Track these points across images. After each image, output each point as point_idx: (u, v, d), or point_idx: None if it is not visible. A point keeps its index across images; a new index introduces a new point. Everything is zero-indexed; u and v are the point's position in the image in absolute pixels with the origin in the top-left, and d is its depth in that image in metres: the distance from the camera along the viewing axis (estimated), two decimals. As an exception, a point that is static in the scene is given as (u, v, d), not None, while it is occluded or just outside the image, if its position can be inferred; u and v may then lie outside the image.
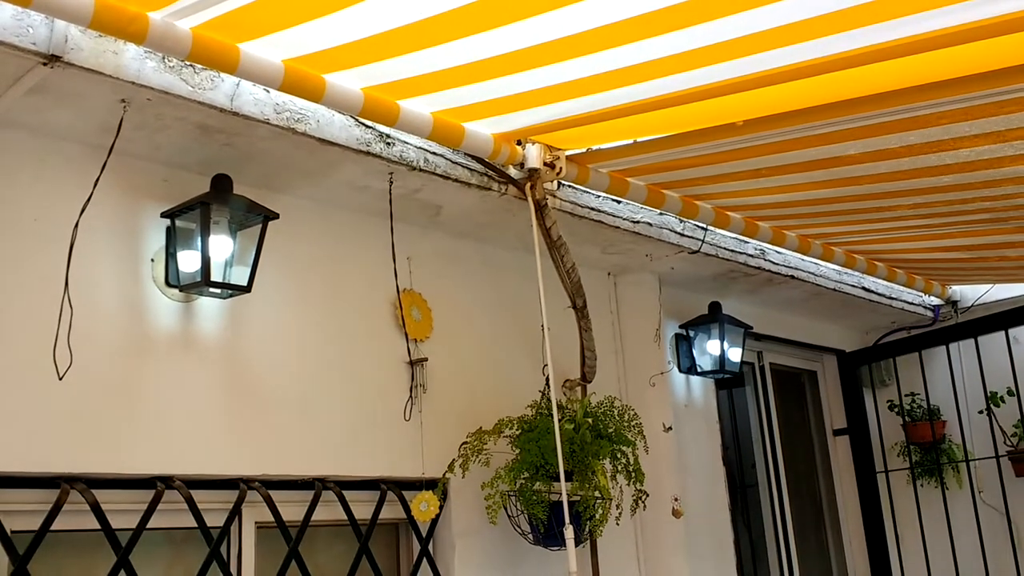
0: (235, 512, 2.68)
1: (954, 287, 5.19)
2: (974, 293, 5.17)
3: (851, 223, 3.60)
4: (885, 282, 4.78)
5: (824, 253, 4.04)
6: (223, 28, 2.09)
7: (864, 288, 4.74)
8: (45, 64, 2.10)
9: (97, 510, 2.40)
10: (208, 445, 2.65)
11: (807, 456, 5.33)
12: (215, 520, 2.65)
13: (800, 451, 5.28)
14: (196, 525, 2.58)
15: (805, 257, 4.27)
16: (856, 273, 4.58)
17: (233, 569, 2.73)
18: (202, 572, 2.58)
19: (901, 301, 5.01)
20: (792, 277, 4.28)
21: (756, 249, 4.09)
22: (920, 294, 5.12)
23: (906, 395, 5.20)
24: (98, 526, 2.40)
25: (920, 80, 2.26)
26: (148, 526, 2.49)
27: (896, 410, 5.24)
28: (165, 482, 2.55)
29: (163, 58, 2.28)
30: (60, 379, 2.35)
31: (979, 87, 2.27)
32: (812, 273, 4.40)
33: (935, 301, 5.23)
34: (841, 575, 5.17)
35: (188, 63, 2.31)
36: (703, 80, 2.27)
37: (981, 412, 4.92)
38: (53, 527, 2.33)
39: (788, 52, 2.11)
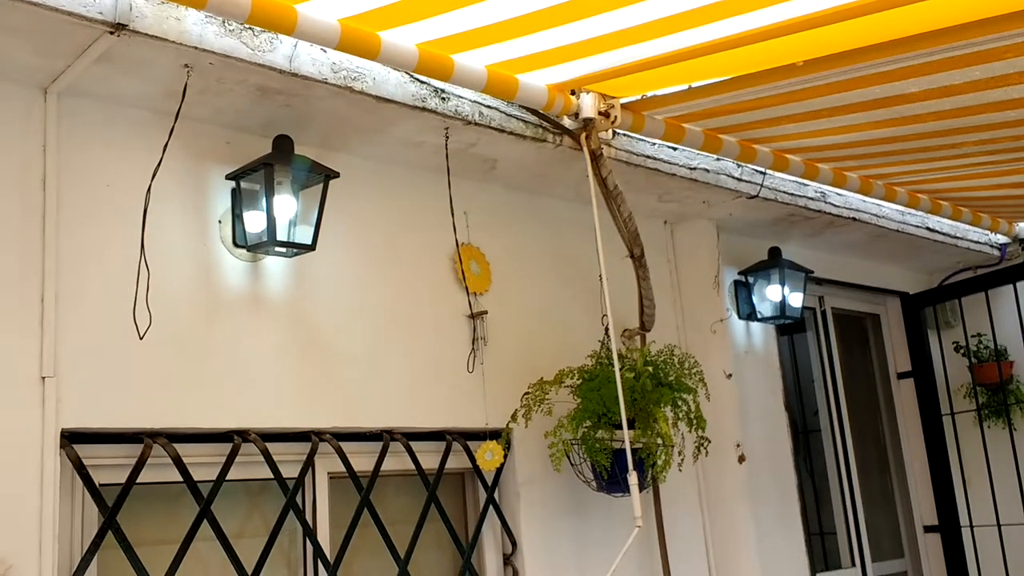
0: (308, 463, 2.77)
1: (1022, 224, 5.05)
2: (1042, 231, 5.04)
3: (914, 162, 3.53)
4: (950, 221, 4.67)
5: (887, 194, 3.97)
6: (280, -10, 2.12)
7: (928, 228, 4.65)
8: (112, 33, 2.16)
9: (179, 463, 2.50)
10: (280, 399, 2.74)
11: (870, 400, 5.29)
12: (290, 471, 2.74)
13: (863, 395, 5.24)
14: (272, 476, 2.68)
15: (867, 198, 4.20)
16: (920, 213, 4.49)
17: (308, 518, 2.83)
18: (279, 521, 2.69)
19: (967, 240, 4.91)
20: (854, 219, 4.22)
21: (816, 192, 4.04)
22: (986, 232, 5.00)
23: (972, 336, 5.11)
24: (180, 478, 2.51)
25: (984, 14, 2.20)
26: (227, 478, 2.59)
27: (962, 351, 5.16)
28: (242, 435, 2.64)
29: (223, 22, 2.32)
30: (141, 339, 2.45)
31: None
32: (874, 215, 4.33)
33: (1002, 239, 5.11)
34: (907, 519, 5.15)
35: (247, 26, 2.35)
36: (760, 23, 2.24)
37: (1050, 351, 4.84)
38: (139, 480, 2.44)
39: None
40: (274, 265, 2.80)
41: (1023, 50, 2.38)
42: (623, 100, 2.93)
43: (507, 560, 3.21)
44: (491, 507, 3.19)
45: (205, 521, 2.53)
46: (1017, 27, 2.24)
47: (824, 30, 2.26)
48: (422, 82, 2.75)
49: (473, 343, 3.22)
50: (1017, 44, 2.35)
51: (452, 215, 3.18)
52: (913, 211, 4.43)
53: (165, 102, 2.54)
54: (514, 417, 3.08)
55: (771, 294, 4.17)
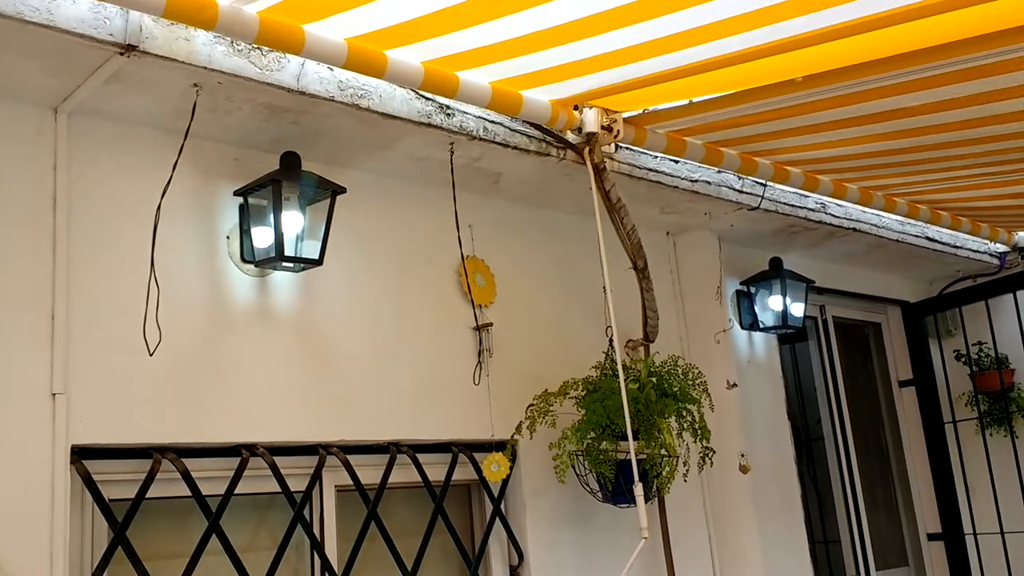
0: (316, 477, 2.79)
1: (1021, 233, 5.08)
2: (1041, 239, 5.06)
3: (913, 173, 3.56)
4: (949, 231, 4.70)
5: (886, 204, 4.00)
6: (288, 11, 2.15)
7: (928, 238, 4.68)
8: (122, 53, 2.19)
9: (188, 478, 2.52)
10: (288, 413, 2.76)
11: (873, 408, 5.31)
12: (297, 485, 2.76)
13: (865, 404, 5.26)
14: (280, 490, 2.70)
15: (867, 209, 4.22)
16: (919, 223, 4.52)
17: (316, 531, 2.84)
18: (287, 534, 2.71)
19: (966, 249, 4.94)
20: (854, 229, 4.25)
21: (817, 203, 4.07)
22: (985, 242, 5.03)
23: (973, 344, 5.14)
24: (189, 493, 2.53)
25: (982, 30, 2.23)
26: (235, 492, 2.61)
27: (963, 360, 5.18)
28: (249, 450, 2.66)
29: (232, 42, 2.35)
30: (151, 355, 2.47)
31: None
32: (874, 225, 4.36)
33: (1001, 248, 5.14)
34: (910, 527, 5.16)
35: (256, 46, 2.38)
36: (759, 41, 2.27)
37: (1051, 359, 4.86)
38: (148, 495, 2.46)
39: (846, 9, 2.10)
40: (282, 280, 2.83)
41: (1021, 64, 2.41)
42: (625, 115, 2.97)
43: (513, 572, 3.22)
44: (497, 519, 3.20)
45: (214, 535, 2.55)
46: (1014, 43, 2.27)
47: (823, 47, 2.29)
48: (427, 99, 2.78)
49: (479, 355, 3.24)
50: (1015, 59, 2.37)
51: (457, 228, 3.21)
52: (913, 221, 4.46)
53: (174, 121, 2.57)
54: (518, 429, 3.10)
55: (773, 304, 4.19)
